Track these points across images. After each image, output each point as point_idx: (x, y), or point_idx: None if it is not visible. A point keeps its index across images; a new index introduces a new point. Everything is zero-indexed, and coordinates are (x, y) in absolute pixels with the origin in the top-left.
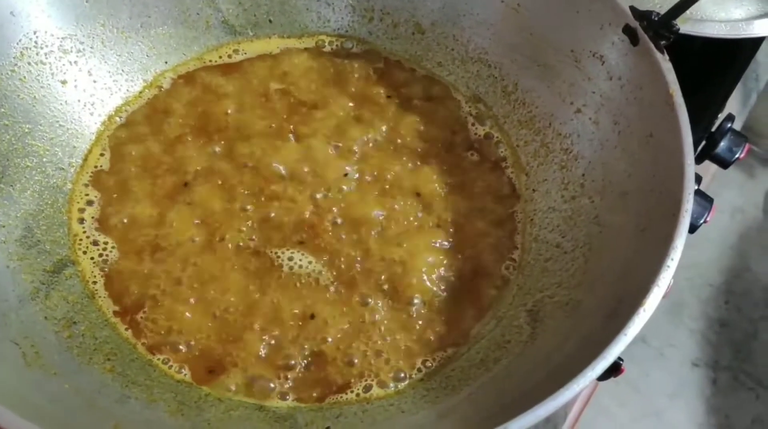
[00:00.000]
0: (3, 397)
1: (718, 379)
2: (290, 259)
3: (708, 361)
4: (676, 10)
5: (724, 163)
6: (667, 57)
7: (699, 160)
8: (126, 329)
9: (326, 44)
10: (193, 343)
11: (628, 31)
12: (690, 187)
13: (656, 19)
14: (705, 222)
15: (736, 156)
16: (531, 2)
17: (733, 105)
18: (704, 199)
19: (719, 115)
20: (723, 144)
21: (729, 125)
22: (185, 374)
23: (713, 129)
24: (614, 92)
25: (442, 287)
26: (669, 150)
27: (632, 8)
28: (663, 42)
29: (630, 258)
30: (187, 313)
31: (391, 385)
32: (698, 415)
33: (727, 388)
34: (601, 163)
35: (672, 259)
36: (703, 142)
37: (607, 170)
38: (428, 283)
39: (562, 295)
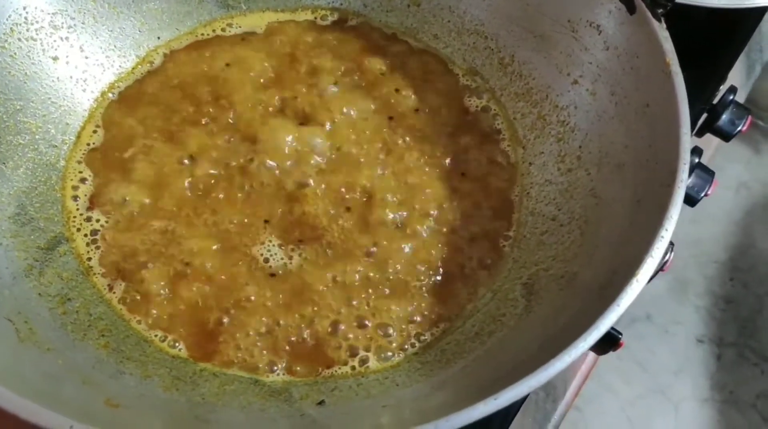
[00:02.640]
0: None
1: (723, 355)
2: (284, 236)
3: (713, 337)
4: None
5: (726, 136)
6: (664, 25)
7: (700, 133)
8: (120, 305)
9: (320, 18)
10: (187, 318)
11: None
12: (685, 156)
13: None
14: (706, 195)
15: (738, 129)
16: None
17: (735, 77)
18: (705, 172)
19: (721, 87)
20: (725, 117)
21: (731, 97)
22: (180, 349)
23: (715, 101)
24: (611, 62)
25: (439, 260)
26: (665, 120)
27: None
28: (660, 10)
29: (626, 229)
30: (181, 289)
31: (386, 358)
32: (703, 390)
33: (732, 364)
34: (598, 134)
35: (666, 230)
36: (705, 115)
37: (603, 142)
38: (423, 256)
39: (557, 268)
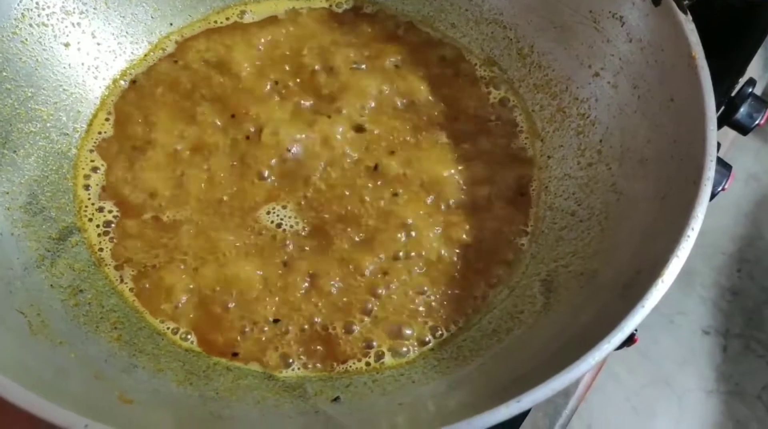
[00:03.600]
0: (7, 369)
1: (729, 346)
2: (295, 221)
3: (719, 328)
4: None
5: (743, 130)
6: (690, 17)
7: (718, 125)
8: (132, 297)
9: (335, 5)
10: (199, 311)
11: None
12: (712, 153)
13: None
14: (723, 190)
15: (756, 122)
16: None
17: (754, 69)
18: (723, 167)
19: (740, 80)
20: (743, 109)
21: (750, 90)
22: (192, 342)
23: (733, 94)
24: (634, 55)
25: (455, 255)
26: (691, 115)
27: None
28: (686, 2)
29: (649, 227)
30: (192, 282)
31: (402, 354)
32: (708, 382)
33: (737, 355)
34: (620, 128)
35: (692, 229)
36: (723, 107)
37: (625, 136)
38: (441, 251)
39: (577, 264)
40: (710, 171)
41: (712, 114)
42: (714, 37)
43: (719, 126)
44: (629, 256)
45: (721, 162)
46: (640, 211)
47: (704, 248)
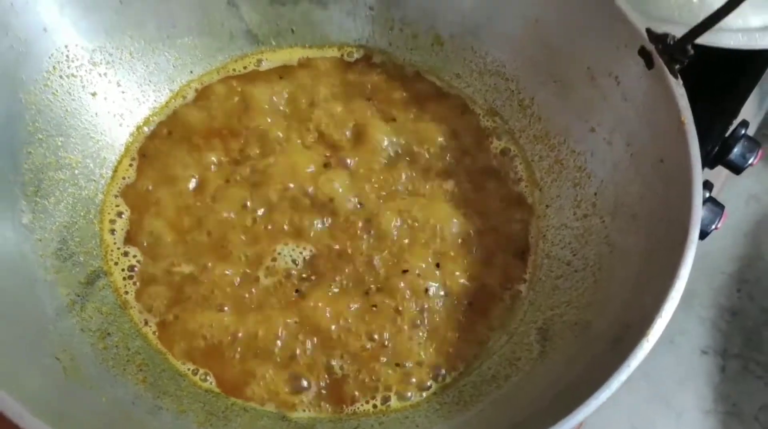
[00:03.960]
0: (46, 414)
1: (727, 366)
2: (304, 268)
3: (717, 348)
4: (692, 35)
5: (736, 169)
6: (680, 82)
7: (712, 165)
8: (155, 339)
9: (346, 55)
10: (215, 351)
11: (644, 53)
12: (697, 218)
13: (671, 43)
14: (716, 228)
15: (749, 162)
16: (549, 17)
17: (748, 110)
18: (715, 206)
19: (734, 121)
20: (736, 150)
21: (743, 131)
22: (211, 383)
23: (727, 134)
24: (628, 114)
25: (456, 301)
26: (679, 178)
27: (648, 31)
28: (677, 66)
29: (637, 282)
30: (211, 325)
31: (407, 397)
32: (706, 402)
33: (735, 375)
34: (614, 183)
35: (676, 290)
36: (717, 148)
37: (619, 191)
38: (442, 297)
39: (571, 314)
40: (694, 234)
41: (698, 179)
42: (708, 82)
43: (713, 165)
44: (619, 309)
45: (713, 201)
46: (630, 266)
47: (704, 268)
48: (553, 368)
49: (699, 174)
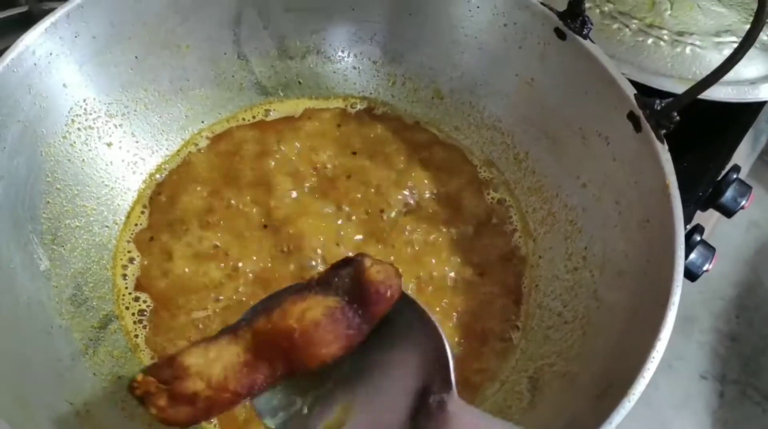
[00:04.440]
0: None
1: (726, 392)
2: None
3: (716, 374)
4: (677, 103)
5: (728, 213)
6: (666, 147)
7: (704, 207)
8: None
9: (350, 106)
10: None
11: (632, 117)
12: (678, 280)
13: (658, 108)
14: (707, 271)
15: (741, 205)
16: (544, 78)
17: (739, 155)
18: (706, 249)
19: (726, 166)
20: (728, 194)
21: (735, 176)
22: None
23: (719, 178)
24: (617, 173)
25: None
26: (662, 240)
27: (637, 96)
28: (663, 131)
29: (622, 339)
30: None
31: None
32: (704, 427)
33: (734, 401)
34: (602, 239)
35: (657, 351)
36: (710, 191)
37: (607, 247)
38: None
39: (561, 365)
40: (675, 297)
41: (680, 241)
42: (701, 127)
43: (705, 208)
44: (604, 364)
45: (704, 244)
46: (616, 322)
47: (704, 293)
48: (541, 419)
49: (682, 237)
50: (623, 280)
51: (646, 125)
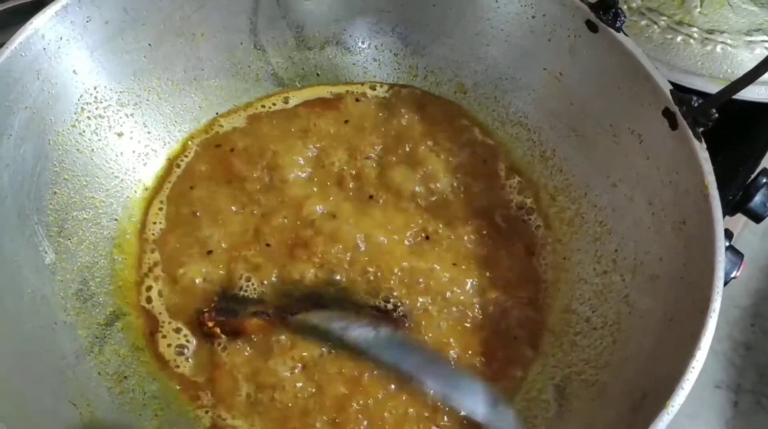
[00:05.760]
0: None
1: (740, 402)
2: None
3: (731, 383)
4: (716, 99)
5: (757, 218)
6: (704, 145)
7: (732, 212)
8: (172, 383)
9: (370, 88)
10: (237, 398)
11: (668, 114)
12: (719, 285)
13: (696, 105)
14: (734, 278)
15: None
16: (573, 73)
17: None
18: (735, 255)
19: (756, 169)
20: (757, 198)
21: (764, 180)
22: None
23: (748, 182)
24: (650, 172)
25: (472, 351)
26: (700, 242)
27: (673, 92)
28: (701, 129)
29: (656, 347)
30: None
31: None
32: None
33: (748, 411)
34: (634, 241)
35: (698, 361)
36: (739, 195)
37: (639, 250)
38: (459, 346)
39: (589, 373)
40: (716, 303)
41: (720, 244)
42: (731, 130)
43: (733, 213)
44: (637, 373)
45: (733, 250)
46: (649, 329)
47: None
48: None
49: (722, 238)
50: (657, 284)
51: (682, 122)
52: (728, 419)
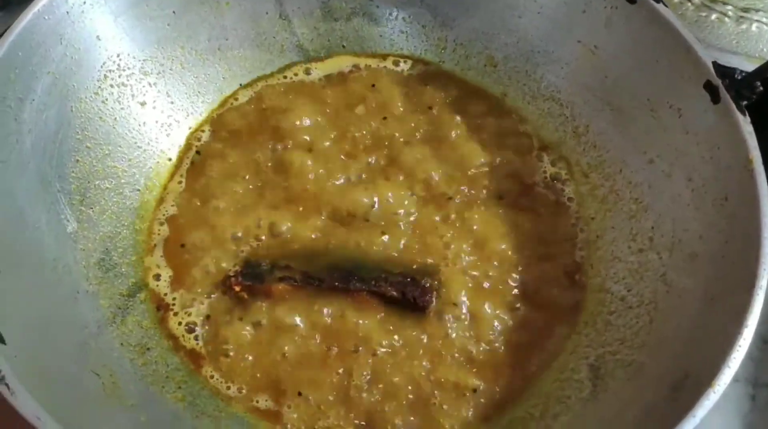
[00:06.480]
0: None
1: (758, 396)
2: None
3: (748, 377)
4: (761, 72)
5: None
6: (748, 119)
7: None
8: (196, 354)
9: (392, 63)
10: (258, 373)
11: (710, 87)
12: (765, 262)
13: (739, 77)
14: None
15: None
16: (609, 45)
17: None
18: None
19: None
20: None
21: None
22: (250, 404)
23: None
24: (690, 147)
25: (503, 330)
26: (744, 218)
27: (715, 64)
28: (745, 102)
29: (698, 327)
30: (255, 346)
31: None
32: None
33: (765, 405)
34: (672, 218)
35: (744, 339)
36: None
37: (677, 227)
38: (489, 324)
39: (625, 353)
40: (763, 280)
41: (766, 220)
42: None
43: None
44: (676, 354)
45: None
46: (688, 308)
47: None
48: (605, 412)
49: (767, 215)
50: (697, 263)
51: (725, 96)
52: (745, 413)
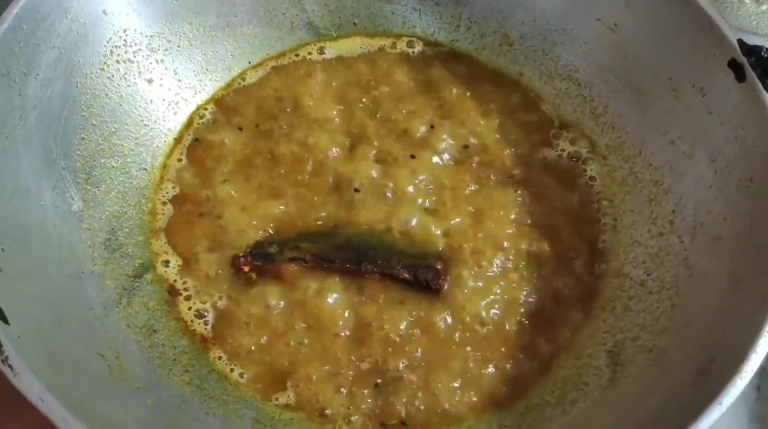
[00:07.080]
0: (93, 420)
1: (763, 386)
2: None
3: None
4: None
5: None
6: None
7: None
8: (203, 337)
9: (407, 45)
10: (262, 356)
11: (734, 66)
12: None
13: (766, 56)
14: None
15: None
16: (629, 23)
17: None
18: None
19: None
20: None
21: None
22: (258, 387)
23: None
24: (713, 128)
25: (518, 314)
26: None
27: (740, 42)
28: None
29: (723, 311)
30: (261, 328)
31: (463, 416)
32: (741, 423)
33: None
34: (694, 201)
35: None
36: None
37: (699, 210)
38: (505, 309)
39: (645, 339)
40: None
41: None
42: None
43: None
44: (701, 339)
45: None
46: (712, 293)
47: None
48: (625, 398)
49: None
50: (720, 246)
51: (751, 74)
52: (752, 404)
